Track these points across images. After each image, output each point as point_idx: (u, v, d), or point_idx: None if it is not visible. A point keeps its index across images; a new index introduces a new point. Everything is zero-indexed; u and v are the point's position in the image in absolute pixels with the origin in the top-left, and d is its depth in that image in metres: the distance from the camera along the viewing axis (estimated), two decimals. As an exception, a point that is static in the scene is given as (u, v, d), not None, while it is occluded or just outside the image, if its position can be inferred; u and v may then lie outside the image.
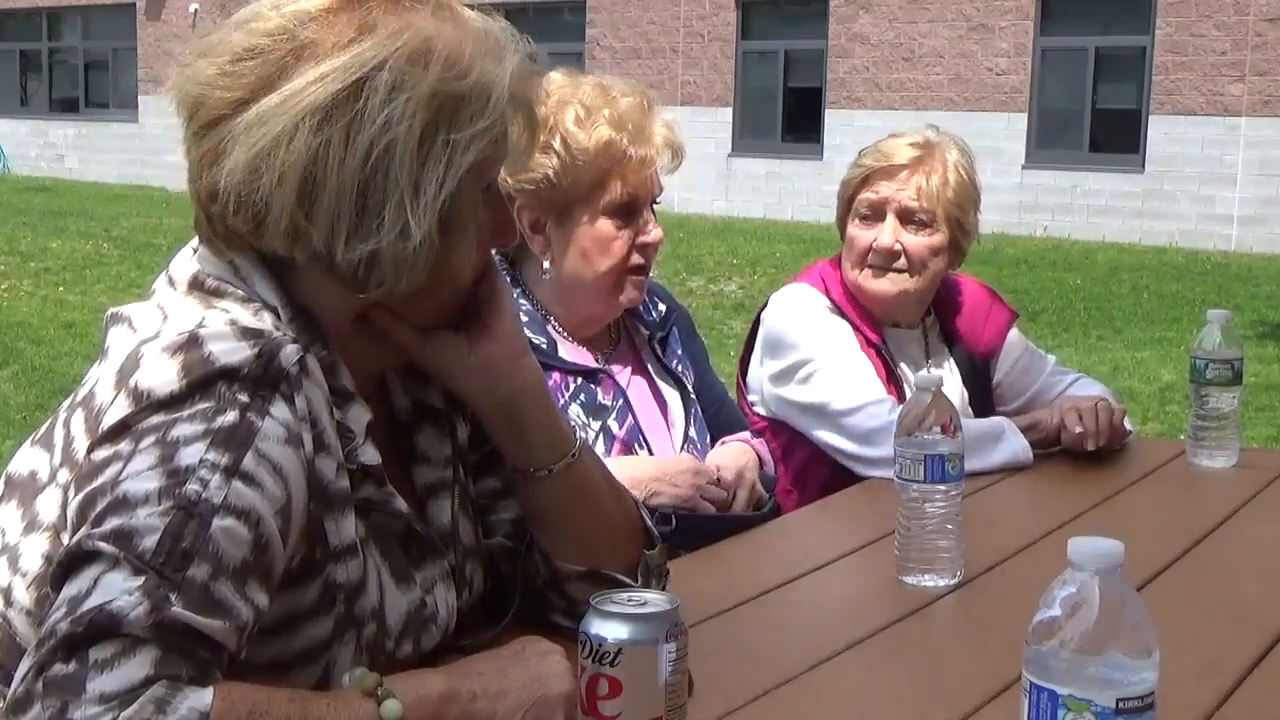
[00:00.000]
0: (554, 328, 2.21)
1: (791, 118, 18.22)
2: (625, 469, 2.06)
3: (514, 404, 1.47)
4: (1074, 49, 16.03)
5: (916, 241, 2.63)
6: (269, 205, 1.28)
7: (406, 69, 1.29)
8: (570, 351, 2.21)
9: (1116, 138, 15.84)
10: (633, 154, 2.12)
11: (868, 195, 2.64)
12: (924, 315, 2.78)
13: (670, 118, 2.20)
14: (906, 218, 2.63)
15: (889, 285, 2.65)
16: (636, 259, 2.19)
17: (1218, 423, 2.60)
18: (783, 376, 2.59)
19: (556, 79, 2.16)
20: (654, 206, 2.21)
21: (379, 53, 1.28)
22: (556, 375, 2.15)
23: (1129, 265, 13.01)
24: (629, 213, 2.16)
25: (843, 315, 2.64)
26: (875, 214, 2.64)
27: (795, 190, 17.71)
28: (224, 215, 1.30)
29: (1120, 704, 1.13)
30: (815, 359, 2.56)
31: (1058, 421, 2.59)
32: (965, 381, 2.77)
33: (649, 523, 1.60)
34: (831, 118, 17.63)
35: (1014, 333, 2.85)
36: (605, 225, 2.15)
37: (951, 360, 2.79)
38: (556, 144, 2.10)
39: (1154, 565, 1.95)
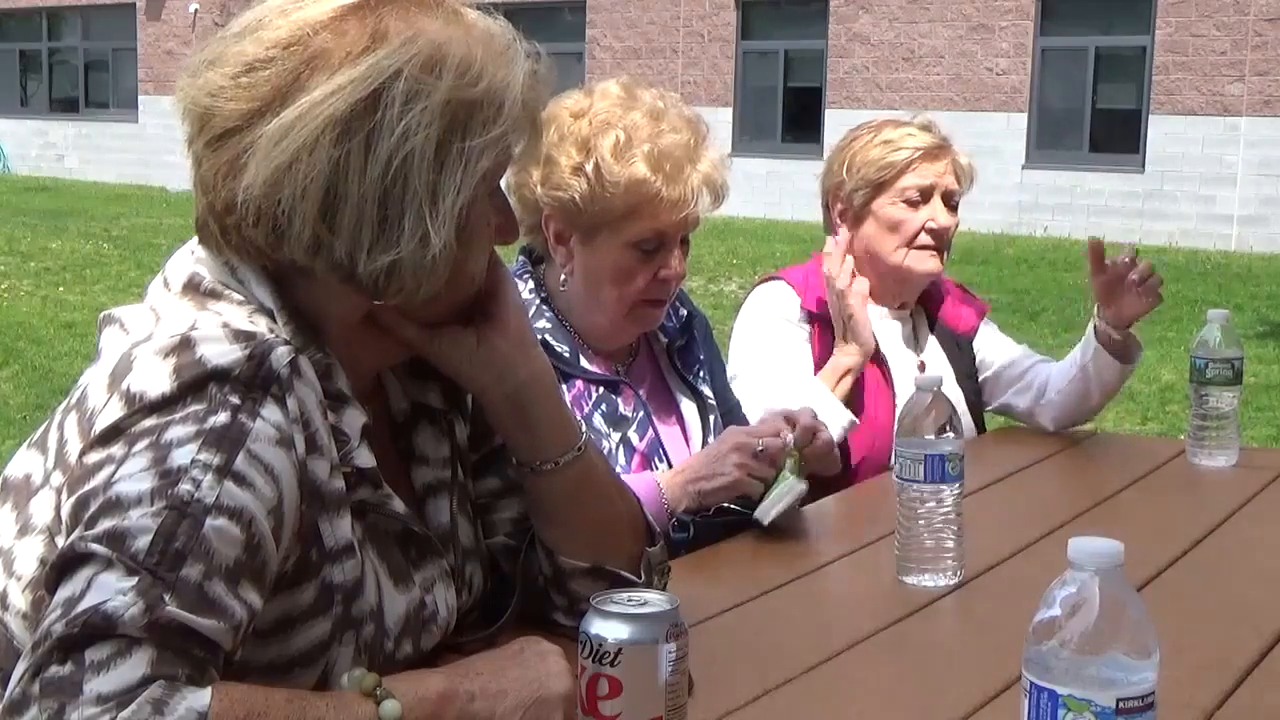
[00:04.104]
0: (575, 338, 2.18)
1: (791, 117, 18.23)
2: (677, 474, 2.05)
3: (521, 395, 1.47)
4: (1074, 49, 16.04)
5: (952, 221, 2.74)
6: (290, 218, 1.27)
7: (421, 77, 1.28)
8: (591, 361, 2.18)
9: (1116, 138, 15.85)
10: (665, 194, 2.04)
11: (915, 180, 2.70)
12: (912, 302, 2.84)
13: (719, 156, 2.12)
14: (947, 199, 2.72)
15: (936, 264, 2.74)
16: (654, 293, 2.14)
17: (1218, 422, 2.61)
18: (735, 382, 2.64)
19: (613, 92, 2.10)
20: (685, 242, 2.15)
21: (394, 62, 1.28)
22: (580, 384, 2.13)
23: (1129, 265, 13.00)
24: (655, 247, 2.10)
25: (815, 316, 2.68)
26: (924, 197, 2.71)
27: (795, 190, 17.71)
28: (241, 227, 1.30)
29: (1120, 704, 1.13)
30: (743, 371, 2.61)
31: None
32: (951, 362, 2.83)
33: (650, 519, 1.60)
34: (831, 118, 17.63)
35: (986, 321, 2.94)
36: (628, 256, 2.09)
37: (937, 344, 2.85)
38: (589, 168, 2.04)
39: (1154, 565, 1.95)
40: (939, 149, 2.72)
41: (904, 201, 2.70)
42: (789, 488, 2.04)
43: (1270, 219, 14.82)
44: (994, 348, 2.91)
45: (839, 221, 2.76)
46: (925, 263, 2.72)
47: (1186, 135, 15.20)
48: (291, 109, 1.26)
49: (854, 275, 2.63)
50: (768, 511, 2.05)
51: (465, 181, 1.31)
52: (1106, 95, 16.06)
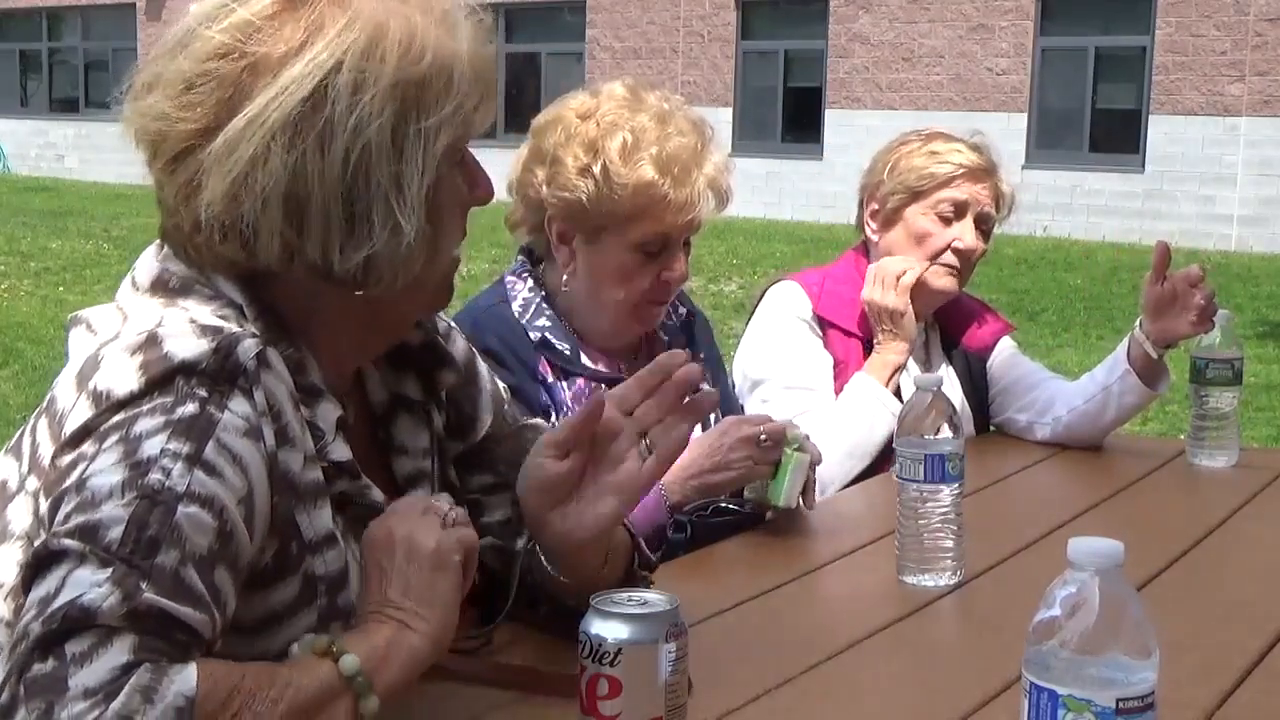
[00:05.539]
0: (577, 337, 2.18)
1: (791, 118, 18.23)
2: (676, 469, 2.04)
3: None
4: (1074, 49, 16.04)
5: (979, 245, 2.69)
6: (256, 230, 1.26)
7: (363, 65, 1.26)
8: (593, 359, 2.19)
9: (1116, 138, 15.85)
10: (672, 197, 2.06)
11: (953, 194, 2.66)
12: (926, 316, 2.80)
13: (724, 159, 2.14)
14: (979, 222, 2.69)
15: (952, 284, 2.70)
16: (656, 295, 2.15)
17: (1218, 423, 2.60)
18: (749, 386, 2.64)
19: (619, 94, 2.10)
20: (687, 244, 2.16)
21: (333, 53, 1.25)
22: (580, 382, 2.13)
23: (1129, 265, 13.00)
24: (659, 249, 2.11)
25: (827, 322, 2.66)
26: (957, 214, 2.67)
27: (795, 190, 17.72)
28: (210, 244, 1.29)
29: (1120, 704, 1.13)
30: (770, 381, 2.60)
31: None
32: (960, 381, 2.79)
33: (643, 547, 1.61)
34: (831, 118, 17.64)
35: (1007, 338, 2.88)
36: (631, 258, 2.10)
37: (948, 362, 2.82)
38: (596, 170, 2.05)
39: (1154, 565, 1.95)
40: (984, 171, 2.68)
41: (936, 214, 2.66)
42: (798, 463, 2.05)
43: (1270, 219, 14.82)
44: (1007, 365, 2.85)
45: (870, 221, 2.74)
46: (942, 280, 2.68)
47: (1186, 135, 15.20)
48: (238, 118, 1.25)
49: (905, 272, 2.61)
50: (787, 494, 2.05)
51: (428, 163, 1.29)
52: (1106, 95, 16.07)
